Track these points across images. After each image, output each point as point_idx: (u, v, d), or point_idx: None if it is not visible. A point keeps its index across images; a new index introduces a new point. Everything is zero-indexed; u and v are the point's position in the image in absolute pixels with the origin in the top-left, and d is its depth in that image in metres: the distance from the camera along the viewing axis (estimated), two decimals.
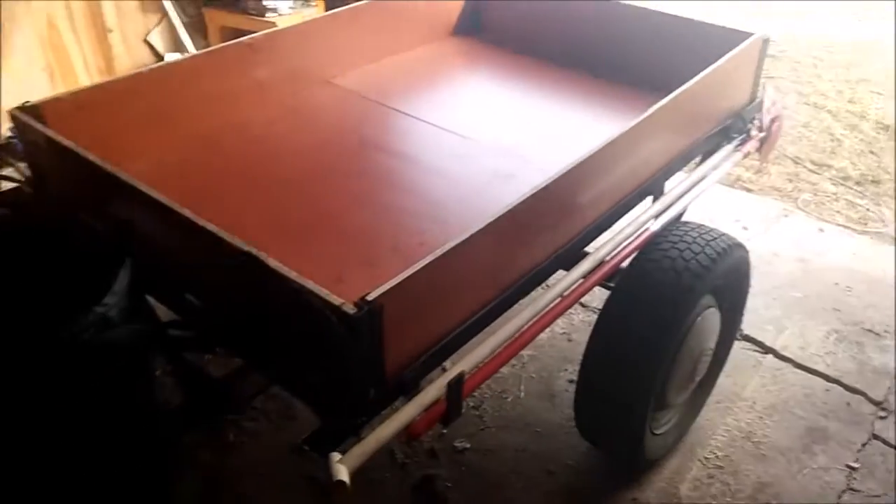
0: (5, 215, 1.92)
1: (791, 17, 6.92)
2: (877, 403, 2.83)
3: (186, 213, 1.58)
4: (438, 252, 1.52)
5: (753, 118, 2.74)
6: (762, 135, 2.73)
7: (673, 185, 2.41)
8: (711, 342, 2.41)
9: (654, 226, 2.23)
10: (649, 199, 2.34)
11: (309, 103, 2.73)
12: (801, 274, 3.53)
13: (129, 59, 4.85)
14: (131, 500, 1.71)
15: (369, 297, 1.38)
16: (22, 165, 2.08)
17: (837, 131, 4.94)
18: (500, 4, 3.33)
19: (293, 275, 1.42)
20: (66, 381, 1.46)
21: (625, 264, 2.16)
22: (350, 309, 1.36)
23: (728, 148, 2.63)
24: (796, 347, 3.08)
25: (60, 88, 4.32)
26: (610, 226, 2.18)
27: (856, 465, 2.59)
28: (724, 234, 2.27)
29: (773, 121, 2.77)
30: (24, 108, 2.00)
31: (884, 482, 2.53)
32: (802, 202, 4.15)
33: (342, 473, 1.38)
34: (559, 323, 3.11)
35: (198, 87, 2.44)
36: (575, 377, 2.30)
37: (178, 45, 5.08)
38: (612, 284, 2.23)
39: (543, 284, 1.97)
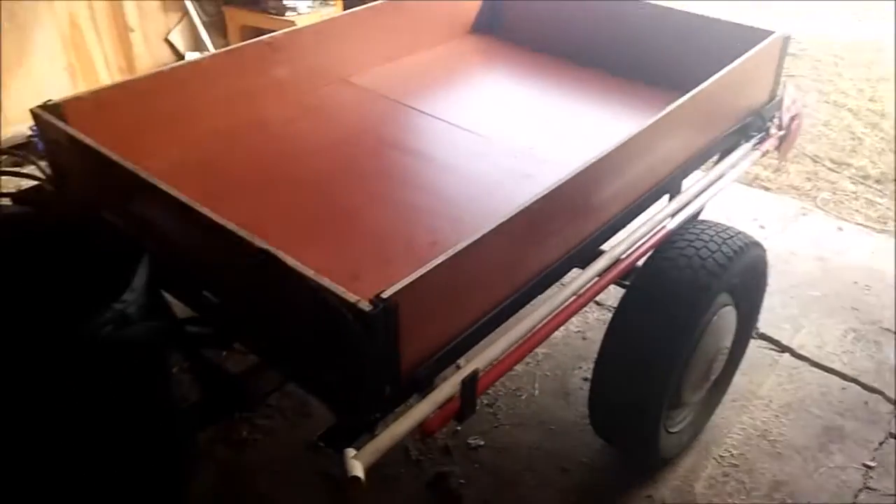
0: (27, 213, 1.95)
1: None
2: (894, 402, 2.82)
3: (205, 211, 1.59)
4: (454, 250, 1.52)
5: (773, 116, 2.72)
6: (781, 133, 2.71)
7: (690, 183, 2.40)
8: (727, 341, 2.40)
9: (671, 224, 2.22)
10: (666, 197, 2.33)
11: (327, 102, 2.74)
12: (820, 273, 3.51)
13: (149, 58, 4.91)
14: (147, 495, 1.72)
15: (385, 295, 1.39)
16: (43, 163, 2.10)
17: (858, 130, 4.90)
18: (519, 3, 3.32)
19: (310, 273, 1.43)
20: (84, 377, 1.48)
21: (640, 263, 2.15)
22: (366, 306, 1.36)
23: (746, 146, 2.61)
24: (813, 346, 3.07)
25: (82, 87, 4.37)
26: (626, 224, 2.17)
27: (872, 463, 2.58)
28: (740, 233, 2.26)
29: (792, 119, 2.74)
30: (45, 107, 2.02)
31: None
32: (821, 201, 4.12)
33: (357, 469, 1.38)
34: (574, 321, 3.11)
35: (218, 85, 2.46)
36: (589, 375, 2.31)
37: (198, 45, 5.13)
38: (627, 283, 2.23)
39: (558, 282, 1.97)
